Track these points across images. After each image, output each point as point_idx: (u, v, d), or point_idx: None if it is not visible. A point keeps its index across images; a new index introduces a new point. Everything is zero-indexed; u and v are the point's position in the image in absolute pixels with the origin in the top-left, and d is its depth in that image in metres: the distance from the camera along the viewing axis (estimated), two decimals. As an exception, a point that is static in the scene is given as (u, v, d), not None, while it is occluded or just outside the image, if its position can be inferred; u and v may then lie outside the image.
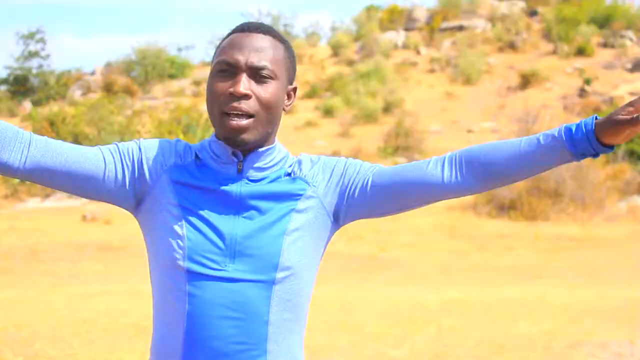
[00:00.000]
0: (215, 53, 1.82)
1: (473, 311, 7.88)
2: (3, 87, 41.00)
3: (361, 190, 1.82)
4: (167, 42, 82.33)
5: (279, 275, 1.75)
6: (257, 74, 1.74)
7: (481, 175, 1.78)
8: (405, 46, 40.91)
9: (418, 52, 39.79)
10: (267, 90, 1.74)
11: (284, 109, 1.82)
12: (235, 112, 1.72)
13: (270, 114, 1.75)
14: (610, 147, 1.70)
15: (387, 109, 30.67)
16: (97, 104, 24.47)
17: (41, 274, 10.44)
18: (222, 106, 1.74)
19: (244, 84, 1.73)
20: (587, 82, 32.30)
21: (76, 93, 39.34)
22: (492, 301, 8.41)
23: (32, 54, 40.84)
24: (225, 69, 1.75)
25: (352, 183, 1.83)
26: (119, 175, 1.80)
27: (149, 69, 40.48)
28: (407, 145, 24.46)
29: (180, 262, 1.74)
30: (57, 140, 1.80)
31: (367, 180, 1.82)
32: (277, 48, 1.78)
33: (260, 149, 1.79)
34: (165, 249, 1.76)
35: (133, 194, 1.82)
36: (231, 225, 1.76)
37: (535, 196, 16.38)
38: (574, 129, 1.71)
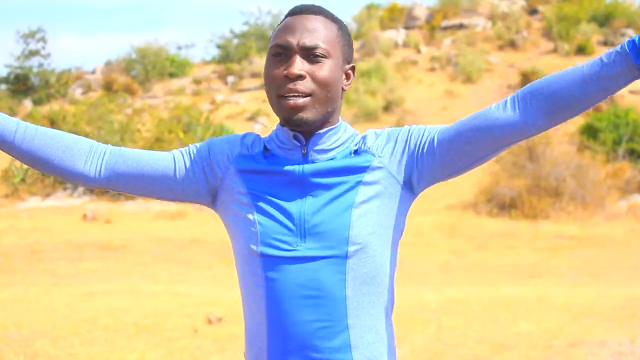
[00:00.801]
0: (270, 38, 1.83)
1: (473, 310, 7.89)
2: (3, 86, 41.00)
3: (429, 151, 1.79)
4: (167, 40, 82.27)
5: (351, 248, 1.74)
6: (310, 54, 1.75)
7: (549, 108, 1.70)
8: (405, 45, 40.91)
9: (418, 51, 39.79)
10: (322, 69, 1.75)
11: (343, 89, 1.82)
12: (291, 94, 1.73)
13: (328, 92, 1.75)
14: None
15: (387, 107, 30.67)
16: (96, 102, 24.48)
17: (41, 273, 10.44)
18: (279, 90, 1.75)
19: (298, 65, 1.74)
20: (588, 80, 32.28)
21: (76, 92, 39.34)
22: (492, 300, 8.41)
23: (33, 53, 40.83)
24: (279, 52, 1.77)
25: (419, 146, 1.80)
26: (190, 172, 1.86)
27: (149, 68, 40.48)
28: (407, 143, 24.44)
29: (255, 248, 1.76)
30: (130, 148, 1.91)
31: (433, 140, 1.78)
32: (329, 27, 1.78)
33: (322, 130, 1.79)
34: (241, 237, 1.80)
35: (207, 190, 1.87)
36: (299, 205, 1.77)
37: (536, 195, 16.38)
38: (637, 40, 1.61)
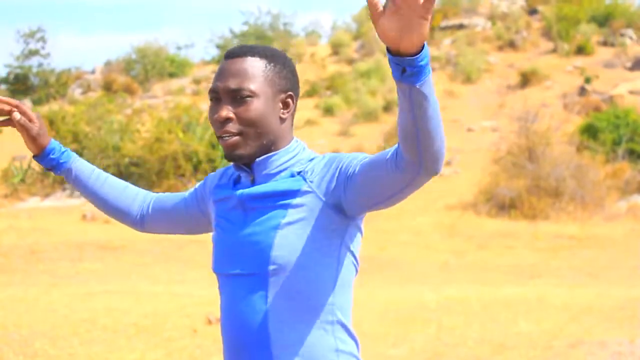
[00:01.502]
0: None
1: (473, 310, 7.88)
2: (3, 86, 40.98)
3: (351, 181, 1.81)
4: (166, 40, 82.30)
5: (271, 267, 1.85)
6: (236, 96, 1.89)
7: (404, 145, 1.63)
8: (405, 45, 40.89)
9: (418, 51, 39.78)
10: (247, 110, 1.88)
11: (281, 118, 1.93)
12: (224, 135, 1.89)
13: (257, 128, 1.88)
14: (415, 55, 1.55)
15: (387, 107, 30.67)
16: (96, 102, 24.47)
17: (41, 273, 10.44)
18: (216, 132, 1.92)
19: (224, 110, 1.89)
20: (587, 80, 32.29)
21: (76, 92, 39.34)
22: (492, 300, 8.41)
23: (32, 53, 40.82)
24: (213, 97, 1.93)
25: (345, 174, 1.83)
26: (196, 209, 2.17)
27: (148, 68, 40.47)
28: (407, 144, 24.44)
29: (214, 268, 2.00)
30: (166, 195, 2.28)
31: (355, 170, 1.80)
32: (255, 66, 1.89)
33: (259, 158, 1.93)
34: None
35: (209, 221, 2.15)
36: (237, 227, 1.93)
37: (535, 195, 16.38)
38: (389, 56, 1.57)
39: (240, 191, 1.93)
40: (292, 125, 1.97)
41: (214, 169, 18.67)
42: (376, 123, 28.15)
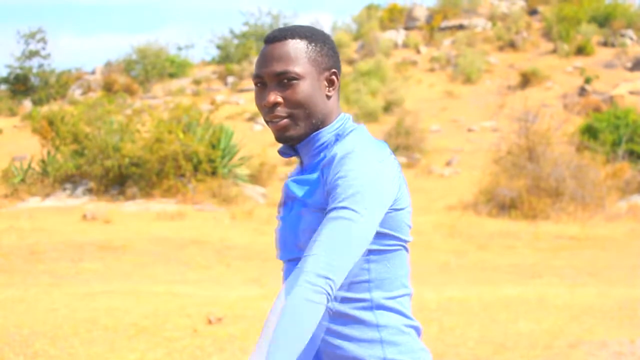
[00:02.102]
0: None
1: (473, 310, 7.88)
2: (3, 86, 41.02)
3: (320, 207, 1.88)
4: (167, 41, 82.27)
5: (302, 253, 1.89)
6: (282, 80, 1.91)
7: None
8: (405, 45, 40.92)
9: (418, 51, 39.80)
10: (294, 92, 1.90)
11: (327, 95, 1.96)
12: (275, 119, 1.93)
13: (305, 109, 1.91)
14: None
15: (387, 108, 30.68)
16: (96, 103, 24.47)
17: (41, 273, 10.44)
18: (265, 116, 1.95)
19: (272, 94, 1.91)
20: (588, 81, 32.30)
21: (76, 92, 39.35)
22: (492, 300, 8.41)
23: (33, 53, 40.85)
24: (258, 82, 1.96)
25: (328, 194, 1.84)
26: None
27: (149, 68, 40.49)
28: (407, 144, 24.47)
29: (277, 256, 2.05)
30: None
31: (325, 206, 1.84)
32: (297, 47, 1.92)
33: (302, 141, 1.97)
34: None
35: None
36: (284, 215, 1.98)
37: (536, 195, 16.38)
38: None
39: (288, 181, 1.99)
40: (337, 100, 1.99)
41: (214, 169, 18.67)
42: (376, 123, 28.15)
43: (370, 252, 1.88)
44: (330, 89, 1.96)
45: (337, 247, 1.74)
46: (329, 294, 1.71)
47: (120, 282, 9.68)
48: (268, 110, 1.92)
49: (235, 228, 14.52)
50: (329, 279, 1.71)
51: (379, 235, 1.87)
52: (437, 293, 8.93)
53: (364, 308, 1.88)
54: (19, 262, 11.15)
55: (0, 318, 7.30)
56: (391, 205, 1.85)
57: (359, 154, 1.82)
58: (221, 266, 11.15)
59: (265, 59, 1.92)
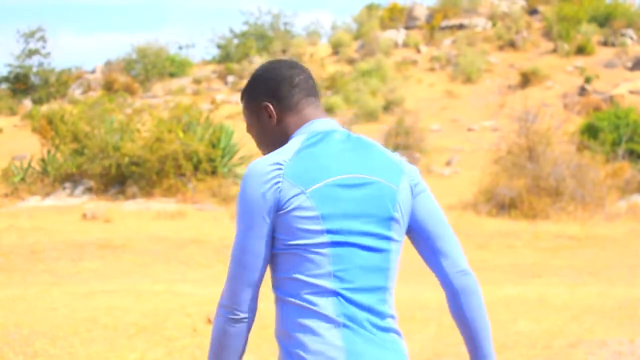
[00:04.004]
0: None
1: (473, 310, 7.87)
2: (3, 85, 41.01)
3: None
4: (167, 40, 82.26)
5: None
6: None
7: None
8: (405, 44, 40.90)
9: (418, 51, 39.78)
10: (252, 137, 2.36)
11: (275, 123, 2.27)
12: None
13: (262, 144, 2.32)
14: None
15: (387, 107, 30.67)
16: (95, 102, 24.46)
17: (41, 272, 10.44)
18: None
19: None
20: (588, 80, 32.30)
21: (76, 91, 39.35)
22: (492, 299, 8.41)
23: (33, 52, 40.85)
24: None
25: None
26: None
27: (149, 68, 40.48)
28: (407, 143, 24.46)
29: None
30: None
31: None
32: (244, 107, 2.34)
33: None
34: None
35: None
36: None
37: (536, 195, 16.37)
38: None
39: None
40: (295, 115, 2.25)
41: (214, 169, 18.67)
42: (376, 123, 28.14)
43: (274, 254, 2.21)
44: (271, 119, 2.26)
45: (229, 269, 2.24)
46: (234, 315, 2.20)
47: (120, 281, 9.68)
48: None
49: (234, 227, 14.52)
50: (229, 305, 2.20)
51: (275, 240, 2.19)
52: (437, 292, 8.92)
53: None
54: (18, 261, 11.15)
55: (0, 318, 7.30)
56: (277, 211, 2.13)
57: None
58: (221, 265, 11.15)
59: None
